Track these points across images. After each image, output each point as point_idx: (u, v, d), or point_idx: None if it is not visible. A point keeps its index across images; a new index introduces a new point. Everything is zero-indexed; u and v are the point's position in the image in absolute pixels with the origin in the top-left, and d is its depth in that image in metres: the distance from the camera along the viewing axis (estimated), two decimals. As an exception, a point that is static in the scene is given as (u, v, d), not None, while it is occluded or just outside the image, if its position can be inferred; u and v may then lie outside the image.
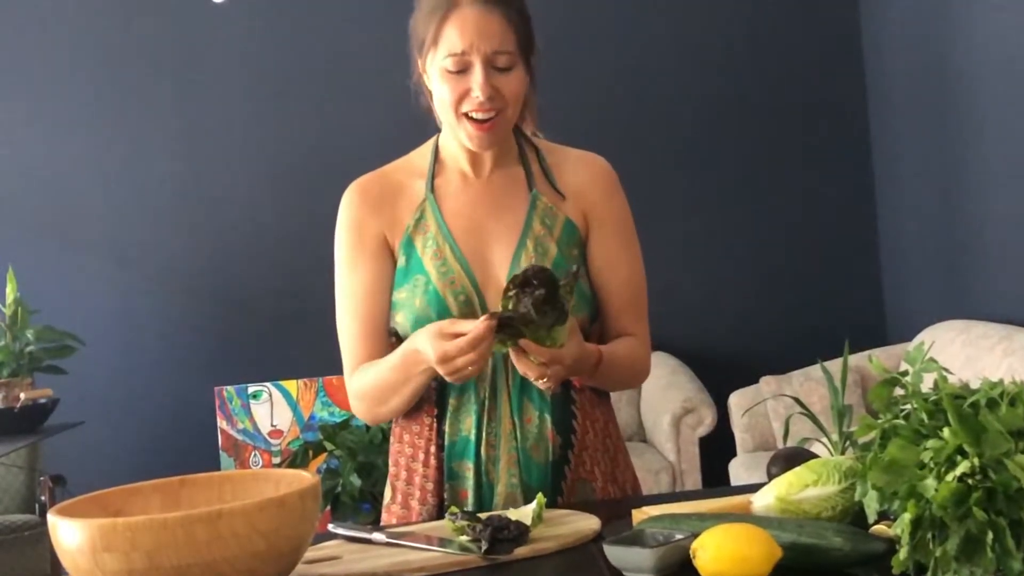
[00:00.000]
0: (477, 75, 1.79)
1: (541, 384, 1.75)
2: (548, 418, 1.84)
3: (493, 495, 1.82)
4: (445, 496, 1.85)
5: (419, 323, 1.82)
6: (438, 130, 1.95)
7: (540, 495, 1.64)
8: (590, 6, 5.55)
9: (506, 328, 1.65)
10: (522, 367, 1.72)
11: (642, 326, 1.96)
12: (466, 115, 1.82)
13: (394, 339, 1.90)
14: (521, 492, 1.82)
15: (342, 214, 1.93)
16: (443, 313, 1.82)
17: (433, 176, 1.92)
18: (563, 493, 1.84)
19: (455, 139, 1.89)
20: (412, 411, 1.89)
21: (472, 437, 1.83)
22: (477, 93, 1.79)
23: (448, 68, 1.80)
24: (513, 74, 1.82)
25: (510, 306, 1.65)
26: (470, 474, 1.83)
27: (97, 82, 5.43)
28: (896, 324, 5.52)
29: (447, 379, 1.74)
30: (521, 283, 1.65)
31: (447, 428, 1.85)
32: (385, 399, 1.87)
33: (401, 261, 1.88)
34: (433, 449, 1.86)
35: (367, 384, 1.88)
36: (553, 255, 1.86)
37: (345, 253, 1.92)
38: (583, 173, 1.95)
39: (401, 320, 1.86)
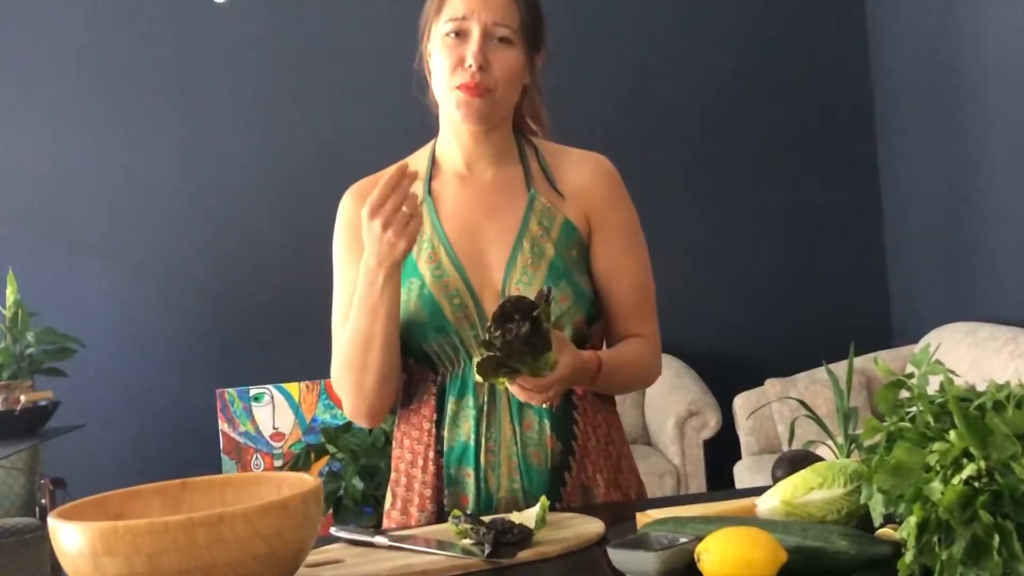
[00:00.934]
0: (472, 43, 1.79)
1: (545, 404, 1.74)
2: (547, 423, 1.82)
3: (493, 501, 1.81)
4: (445, 502, 1.83)
5: (413, 327, 1.81)
6: (437, 131, 1.95)
7: (543, 498, 1.63)
8: (593, 4, 5.54)
9: (501, 368, 1.61)
10: (524, 397, 1.70)
11: (650, 327, 1.94)
12: (457, 86, 1.81)
13: None
14: (522, 498, 1.80)
15: (339, 218, 1.93)
16: (437, 316, 1.81)
17: (430, 179, 1.91)
18: (562, 499, 1.83)
19: (451, 128, 1.89)
20: (412, 415, 1.88)
21: (471, 442, 1.82)
22: (470, 61, 1.79)
23: (447, 33, 1.81)
24: (510, 51, 1.82)
25: (498, 344, 1.60)
26: (471, 480, 1.82)
27: (98, 84, 5.43)
28: (902, 326, 5.51)
29: (386, 245, 1.69)
30: (503, 320, 1.60)
31: (445, 433, 1.84)
32: (363, 356, 1.78)
33: (398, 264, 1.87)
34: (432, 455, 1.85)
35: (342, 353, 1.82)
36: (550, 256, 1.85)
37: (341, 257, 1.91)
38: (584, 173, 1.93)
39: (396, 323, 1.85)
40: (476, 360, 1.63)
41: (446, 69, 1.81)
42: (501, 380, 1.64)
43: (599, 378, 1.81)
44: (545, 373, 1.65)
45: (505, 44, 1.81)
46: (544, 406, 1.76)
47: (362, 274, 1.75)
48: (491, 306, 1.74)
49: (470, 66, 1.79)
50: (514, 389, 1.68)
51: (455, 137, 1.90)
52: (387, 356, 1.79)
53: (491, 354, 1.60)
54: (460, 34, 1.80)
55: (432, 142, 1.96)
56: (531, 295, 1.74)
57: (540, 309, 1.61)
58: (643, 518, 1.56)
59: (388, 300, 1.74)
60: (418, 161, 1.95)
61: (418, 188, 1.90)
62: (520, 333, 1.59)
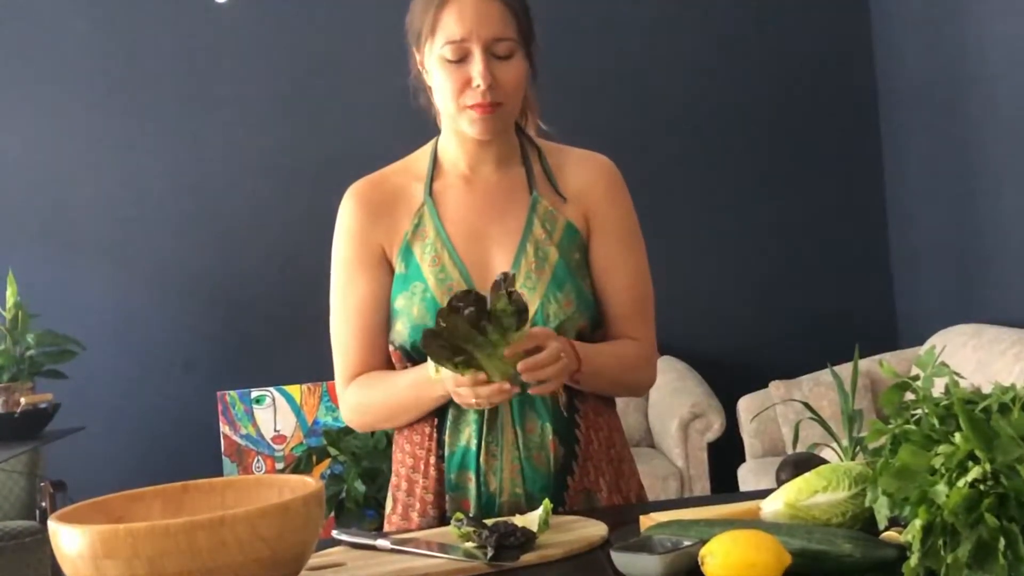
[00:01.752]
0: (477, 63, 1.77)
1: (553, 390, 1.73)
2: (550, 427, 1.81)
3: (495, 505, 1.80)
4: (447, 507, 1.83)
5: (417, 331, 1.80)
6: (438, 131, 1.94)
7: (547, 501, 1.63)
8: (596, 3, 5.54)
9: (454, 354, 1.61)
10: (538, 387, 1.69)
11: (646, 331, 1.91)
12: (467, 106, 1.79)
13: (391, 347, 1.88)
14: (524, 502, 1.80)
15: (340, 221, 1.91)
16: None
17: (432, 180, 1.90)
18: (565, 503, 1.82)
19: (454, 133, 1.87)
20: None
21: (473, 447, 1.81)
22: (478, 82, 1.76)
23: (446, 56, 1.78)
24: (513, 63, 1.80)
25: (443, 330, 1.60)
26: (472, 485, 1.81)
27: (98, 84, 5.43)
28: (907, 328, 5.50)
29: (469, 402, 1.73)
30: (447, 313, 1.60)
31: (446, 438, 1.83)
32: (394, 416, 1.87)
33: (400, 268, 1.86)
34: (433, 460, 1.84)
35: (374, 400, 1.87)
36: (554, 260, 1.84)
37: (343, 263, 1.90)
38: (584, 173, 1.91)
39: (400, 328, 1.84)
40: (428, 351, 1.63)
41: (451, 90, 1.79)
42: (453, 364, 1.62)
43: (582, 360, 1.77)
44: (508, 350, 1.63)
45: (507, 57, 1.79)
46: (553, 392, 1.75)
47: (425, 383, 1.77)
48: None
49: (478, 86, 1.77)
50: (528, 378, 1.66)
51: (459, 141, 1.88)
52: (417, 418, 1.86)
53: (440, 342, 1.60)
54: (461, 55, 1.78)
55: (433, 141, 1.94)
56: (535, 299, 1.73)
57: (490, 294, 1.61)
58: (647, 521, 1.56)
59: (441, 401, 1.80)
60: (419, 161, 1.93)
61: (418, 190, 1.89)
62: (464, 314, 1.59)
